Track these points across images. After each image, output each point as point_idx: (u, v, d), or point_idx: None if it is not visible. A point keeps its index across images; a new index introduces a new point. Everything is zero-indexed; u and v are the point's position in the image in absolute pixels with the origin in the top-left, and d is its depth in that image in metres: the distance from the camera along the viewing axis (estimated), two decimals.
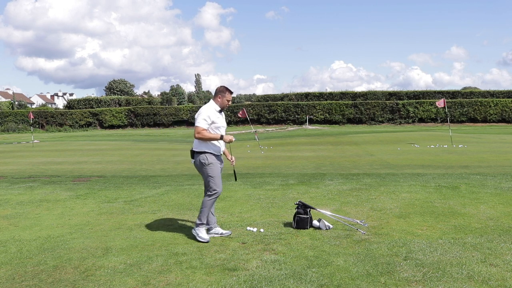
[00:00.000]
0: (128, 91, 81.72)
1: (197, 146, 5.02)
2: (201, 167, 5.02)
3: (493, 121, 43.86)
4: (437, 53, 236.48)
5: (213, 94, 5.21)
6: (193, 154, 5.08)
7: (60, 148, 23.41)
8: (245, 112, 20.21)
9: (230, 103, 5.19)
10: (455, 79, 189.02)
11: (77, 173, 12.13)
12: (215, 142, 5.00)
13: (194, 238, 4.99)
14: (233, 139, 5.01)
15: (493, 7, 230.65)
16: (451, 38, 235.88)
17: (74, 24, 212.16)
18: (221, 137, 4.95)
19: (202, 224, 5.02)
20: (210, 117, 4.96)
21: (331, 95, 51.41)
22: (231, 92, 5.16)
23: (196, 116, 5.02)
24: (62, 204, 7.36)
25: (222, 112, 5.16)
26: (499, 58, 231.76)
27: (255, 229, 5.27)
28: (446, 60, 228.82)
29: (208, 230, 5.18)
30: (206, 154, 4.98)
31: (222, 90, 5.10)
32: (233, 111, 48.60)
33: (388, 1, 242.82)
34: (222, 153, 5.19)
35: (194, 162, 5.10)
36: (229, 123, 48.63)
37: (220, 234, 5.15)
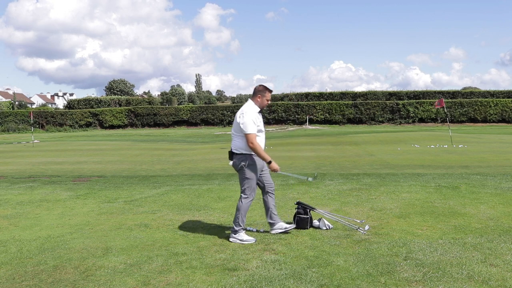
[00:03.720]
0: (128, 91, 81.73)
1: (237, 148, 4.88)
2: (239, 169, 4.89)
3: (493, 121, 43.80)
4: (436, 53, 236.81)
5: (252, 94, 5.04)
6: (232, 155, 4.93)
7: (60, 148, 23.41)
8: None
9: (269, 102, 5.05)
10: (454, 79, 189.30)
11: (77, 173, 12.13)
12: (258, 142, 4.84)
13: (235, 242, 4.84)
14: (278, 170, 4.92)
15: (490, 8, 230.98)
16: (450, 38, 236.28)
17: (75, 25, 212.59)
18: (269, 162, 4.85)
19: (241, 229, 4.87)
20: (256, 120, 4.81)
21: (331, 95, 51.36)
22: (270, 91, 5.01)
23: (239, 119, 4.81)
24: (62, 204, 7.36)
25: (260, 114, 5.00)
26: (497, 58, 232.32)
27: (255, 229, 5.27)
28: (444, 60, 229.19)
29: (271, 226, 5.12)
30: (246, 155, 4.85)
31: (262, 90, 4.95)
32: (233, 111, 48.59)
33: (387, 2, 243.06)
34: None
35: (233, 163, 4.94)
36: (229, 123, 48.65)
37: (285, 228, 5.07)
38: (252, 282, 3.65)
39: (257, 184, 5.03)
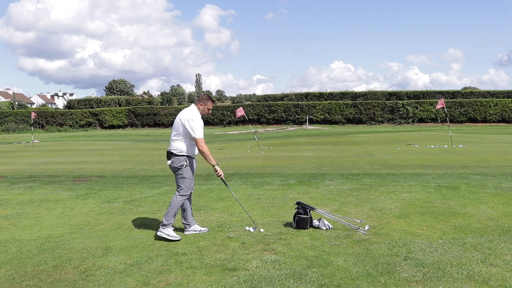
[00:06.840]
0: (128, 91, 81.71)
1: (176, 148, 5.06)
2: (177, 169, 5.07)
3: (493, 121, 43.81)
4: (435, 54, 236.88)
5: (196, 100, 5.23)
6: (171, 155, 5.10)
7: (60, 148, 23.40)
8: (243, 111, 20.12)
9: (210, 112, 5.27)
10: (452, 79, 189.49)
11: (77, 173, 12.13)
12: (192, 144, 5.06)
13: (164, 239, 4.95)
14: (222, 176, 5.16)
15: (488, 9, 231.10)
16: (448, 39, 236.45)
17: (75, 25, 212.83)
18: (214, 166, 5.08)
19: (170, 224, 5.04)
20: (202, 125, 5.07)
21: (331, 95, 51.36)
22: (213, 101, 5.25)
23: (187, 123, 4.97)
24: (62, 204, 7.36)
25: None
26: (495, 59, 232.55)
27: (255, 229, 5.27)
28: (443, 61, 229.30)
29: (186, 226, 5.27)
30: (185, 157, 5.05)
31: (205, 98, 5.17)
32: (232, 111, 48.58)
33: (386, 2, 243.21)
34: (196, 155, 5.24)
35: (170, 163, 5.12)
36: (229, 123, 48.65)
37: (199, 231, 5.24)
38: (252, 282, 3.65)
39: None
